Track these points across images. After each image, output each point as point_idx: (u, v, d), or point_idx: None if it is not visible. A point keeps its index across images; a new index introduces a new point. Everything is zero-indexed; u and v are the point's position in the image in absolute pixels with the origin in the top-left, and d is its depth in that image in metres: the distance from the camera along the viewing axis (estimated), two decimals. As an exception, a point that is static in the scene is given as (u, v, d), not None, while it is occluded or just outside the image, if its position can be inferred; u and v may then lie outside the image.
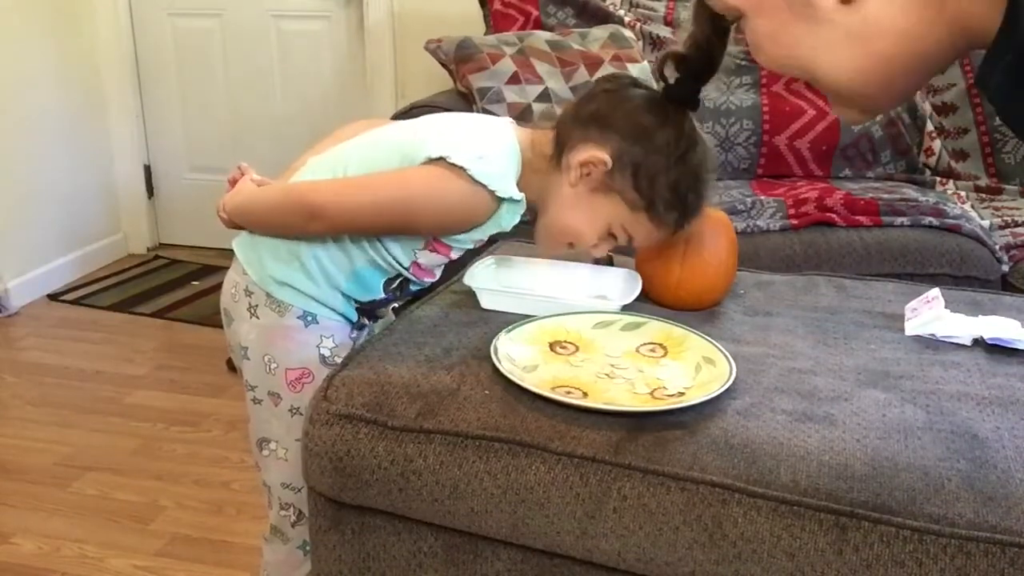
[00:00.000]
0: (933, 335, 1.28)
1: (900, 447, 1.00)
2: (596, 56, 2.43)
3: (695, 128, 1.16)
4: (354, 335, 1.29)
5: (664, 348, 1.21)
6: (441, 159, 1.12)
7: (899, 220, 2.04)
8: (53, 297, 3.14)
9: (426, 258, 1.24)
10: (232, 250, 1.27)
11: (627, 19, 2.64)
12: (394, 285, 1.26)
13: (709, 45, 1.06)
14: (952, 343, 1.26)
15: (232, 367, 2.54)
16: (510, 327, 1.21)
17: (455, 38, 2.47)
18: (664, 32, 2.63)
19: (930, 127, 2.51)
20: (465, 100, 2.37)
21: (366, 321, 1.30)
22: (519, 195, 1.17)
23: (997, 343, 1.25)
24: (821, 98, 2.47)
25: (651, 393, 1.12)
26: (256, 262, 1.23)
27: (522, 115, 2.28)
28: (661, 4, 2.71)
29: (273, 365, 1.24)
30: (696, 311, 1.33)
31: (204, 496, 2.02)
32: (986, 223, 2.15)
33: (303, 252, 1.20)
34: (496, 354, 1.14)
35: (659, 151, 1.13)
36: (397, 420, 1.09)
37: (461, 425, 1.07)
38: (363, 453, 1.09)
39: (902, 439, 1.02)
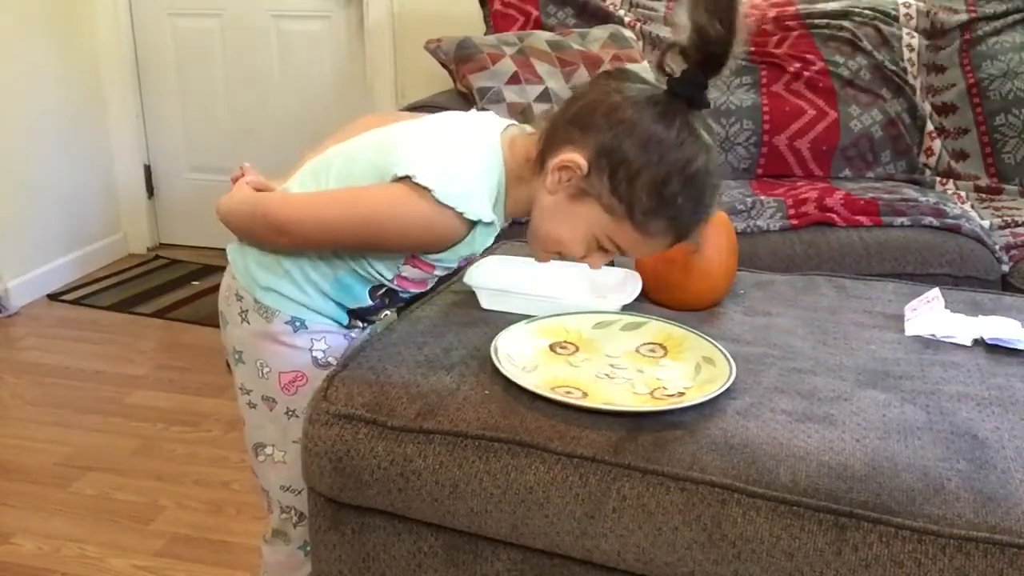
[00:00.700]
0: (933, 335, 1.28)
1: (900, 447, 1.00)
2: (596, 56, 2.43)
3: (696, 127, 1.05)
4: (354, 334, 1.29)
5: (664, 348, 1.21)
6: (407, 178, 1.08)
7: (899, 220, 2.04)
8: (53, 297, 3.14)
9: (410, 272, 1.21)
10: (227, 250, 1.27)
11: (627, 19, 2.64)
12: (381, 292, 1.24)
13: (714, 34, 1.00)
14: (952, 343, 1.26)
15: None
16: (510, 327, 1.21)
17: (455, 38, 2.47)
18: (664, 32, 2.63)
19: (930, 127, 2.51)
20: (465, 100, 2.37)
21: (359, 324, 1.29)
22: (490, 217, 1.10)
23: (997, 343, 1.25)
24: (821, 98, 2.47)
25: (651, 393, 1.12)
26: (244, 267, 1.22)
27: (522, 115, 2.28)
28: (661, 4, 2.71)
29: (266, 369, 1.24)
30: (696, 311, 1.33)
31: (204, 496, 2.02)
32: (986, 223, 2.15)
33: (286, 259, 1.19)
34: (496, 354, 1.14)
35: (639, 148, 1.04)
36: (397, 420, 1.09)
37: (461, 425, 1.07)
38: (363, 453, 1.09)
39: (902, 439, 1.02)
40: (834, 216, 2.06)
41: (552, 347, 1.21)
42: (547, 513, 1.02)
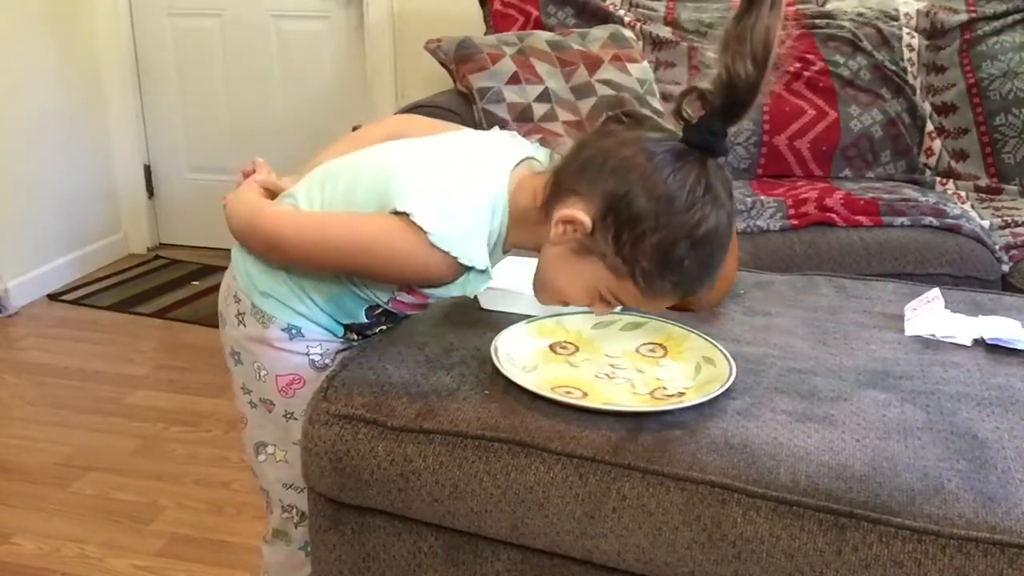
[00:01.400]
0: (933, 335, 1.28)
1: (900, 447, 1.00)
2: (596, 56, 2.43)
3: (712, 183, 0.99)
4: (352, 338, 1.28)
5: (664, 348, 1.21)
6: (405, 215, 1.05)
7: (899, 220, 2.04)
8: (53, 297, 3.14)
9: (406, 298, 1.19)
10: (231, 250, 1.26)
11: (627, 19, 2.64)
12: (378, 312, 1.22)
13: (745, 76, 0.95)
14: (952, 343, 1.26)
15: (232, 367, 2.55)
16: (510, 327, 1.21)
17: (455, 38, 2.47)
18: (664, 32, 2.63)
19: (930, 127, 2.51)
20: (465, 100, 2.37)
21: (355, 337, 1.26)
22: (484, 264, 1.07)
23: (997, 343, 1.25)
24: (821, 98, 2.47)
25: (651, 393, 1.12)
26: (244, 270, 1.21)
27: (522, 115, 2.28)
28: (661, 4, 2.71)
29: (263, 372, 1.23)
30: (696, 311, 1.33)
31: (204, 496, 2.02)
32: (986, 223, 2.15)
33: (285, 269, 1.18)
34: (496, 354, 1.14)
35: (646, 209, 0.99)
36: (397, 420, 1.09)
37: (461, 425, 1.07)
38: (363, 453, 1.09)
39: (902, 439, 1.02)
40: (834, 216, 2.06)
41: (552, 347, 1.21)
42: (547, 513, 1.02)
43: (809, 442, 1.01)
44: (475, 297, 1.33)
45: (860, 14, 2.60)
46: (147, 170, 3.56)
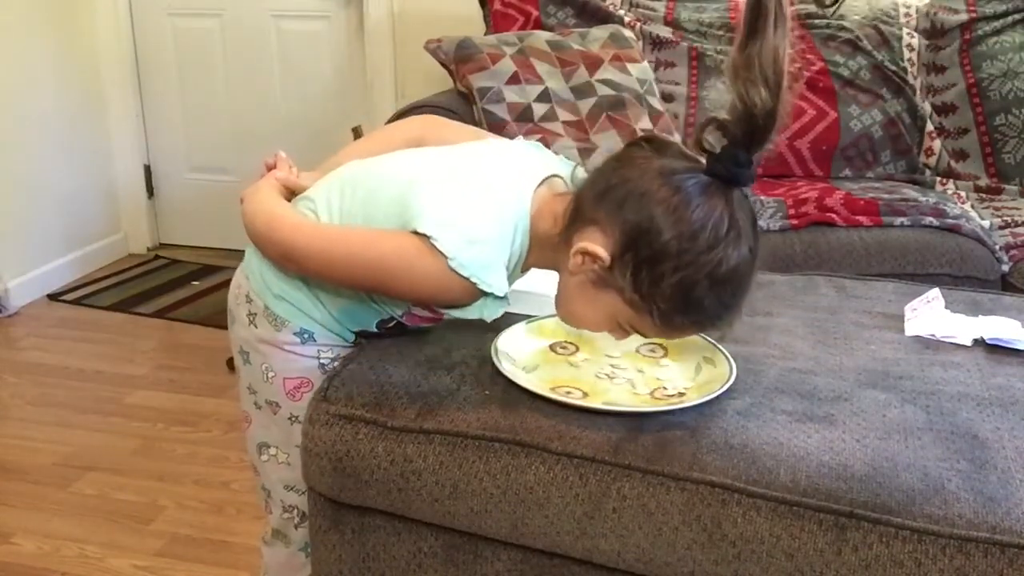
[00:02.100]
0: (933, 335, 1.28)
1: (900, 447, 1.00)
2: (596, 56, 2.43)
3: (736, 216, 0.97)
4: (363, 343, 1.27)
5: (664, 348, 1.21)
6: (426, 237, 1.03)
7: (899, 220, 2.04)
8: (53, 297, 3.14)
9: (421, 312, 1.18)
10: (236, 250, 1.25)
11: (627, 19, 2.64)
12: (390, 325, 1.22)
13: (760, 103, 0.93)
14: (952, 343, 1.26)
15: (231, 367, 2.54)
16: (510, 327, 1.21)
17: (455, 38, 2.47)
18: (664, 32, 2.63)
19: (930, 127, 2.51)
20: (465, 100, 2.37)
21: (364, 341, 1.26)
22: (503, 291, 1.06)
23: (997, 343, 1.25)
24: (821, 98, 2.47)
25: (651, 393, 1.12)
26: (257, 271, 1.20)
27: (522, 115, 2.28)
28: (661, 4, 2.70)
29: (271, 374, 1.22)
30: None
31: (204, 496, 2.02)
32: (986, 223, 2.15)
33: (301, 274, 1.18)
34: (496, 354, 1.14)
35: (667, 247, 0.96)
36: (397, 420, 1.09)
37: (461, 425, 1.07)
38: (363, 453, 1.09)
39: (902, 439, 1.02)
40: (834, 216, 2.06)
41: (552, 347, 1.21)
42: (547, 513, 1.02)
43: (809, 442, 1.01)
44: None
45: (859, 14, 2.60)
46: (147, 170, 3.56)
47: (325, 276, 1.14)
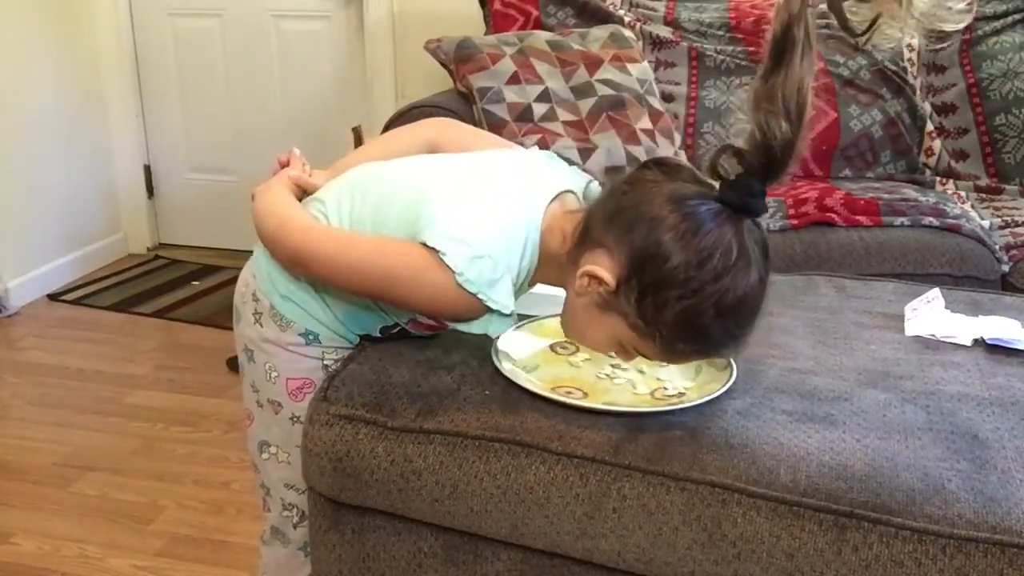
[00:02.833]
0: (933, 335, 1.28)
1: (900, 447, 1.00)
2: (596, 56, 2.43)
3: (746, 245, 0.96)
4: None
5: (664, 348, 1.21)
6: (435, 251, 1.03)
7: (899, 220, 2.04)
8: (53, 297, 3.14)
9: (426, 320, 1.18)
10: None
11: (627, 19, 2.64)
12: (394, 331, 1.22)
13: (780, 135, 0.92)
14: (952, 343, 1.26)
15: (232, 367, 2.54)
16: (511, 327, 1.21)
17: (455, 38, 2.47)
18: (664, 32, 2.63)
19: (930, 127, 2.51)
20: (465, 100, 2.37)
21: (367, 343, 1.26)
22: (509, 308, 1.06)
23: (997, 343, 1.25)
24: (821, 98, 2.47)
25: (651, 394, 1.12)
26: (265, 270, 1.20)
27: (522, 115, 2.28)
28: (661, 4, 2.70)
29: (274, 374, 1.22)
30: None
31: (204, 496, 2.02)
32: (986, 223, 2.15)
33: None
34: (496, 354, 1.14)
35: (674, 275, 0.95)
36: (397, 420, 1.09)
37: (461, 425, 1.07)
38: (363, 453, 1.09)
39: (902, 439, 1.02)
40: (834, 216, 2.06)
41: (552, 347, 1.21)
42: (547, 513, 1.02)
43: (809, 442, 1.01)
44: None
45: (854, 12, 2.59)
46: (147, 170, 3.56)
47: (332, 281, 1.14)
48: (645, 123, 2.32)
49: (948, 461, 0.98)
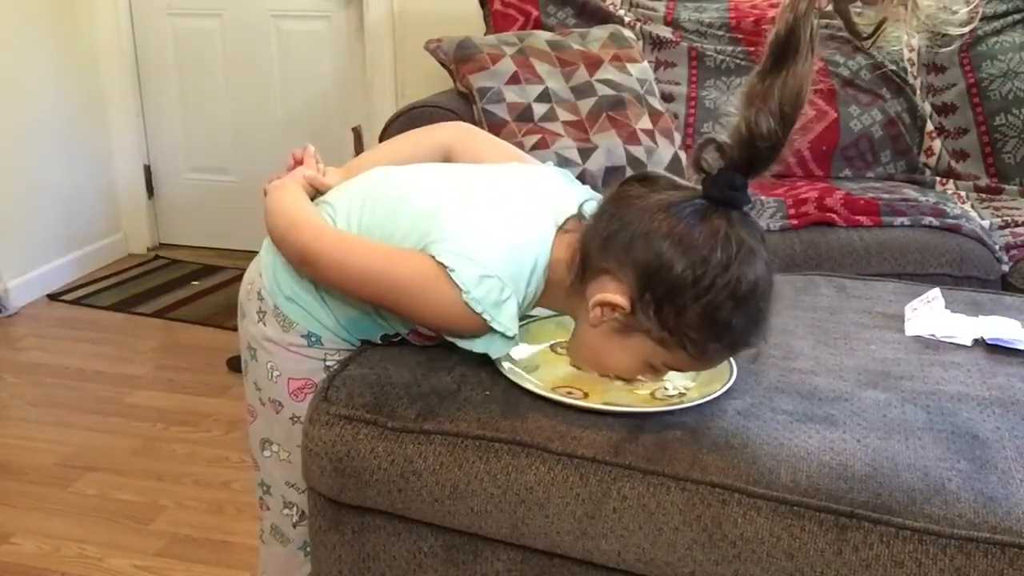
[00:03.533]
0: (933, 335, 1.28)
1: (900, 447, 1.00)
2: (596, 56, 2.43)
3: (741, 234, 0.97)
4: None
5: (664, 348, 1.21)
6: (444, 267, 1.02)
7: (899, 220, 2.04)
8: (53, 297, 3.14)
9: (426, 332, 1.18)
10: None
11: (627, 19, 2.64)
12: (395, 340, 1.22)
13: (767, 131, 0.93)
14: (952, 343, 1.26)
15: (232, 367, 2.54)
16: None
17: (455, 38, 2.47)
18: (664, 32, 2.63)
19: (930, 127, 2.51)
20: (465, 100, 2.37)
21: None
22: (513, 332, 1.06)
23: (997, 343, 1.25)
24: (821, 98, 2.47)
25: (651, 394, 1.12)
26: (271, 269, 1.20)
27: (522, 115, 2.28)
28: (661, 4, 2.70)
29: (276, 373, 1.22)
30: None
31: (204, 496, 2.02)
32: (986, 223, 2.15)
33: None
34: (496, 354, 1.14)
35: (683, 278, 0.96)
36: (397, 421, 1.09)
37: (461, 426, 1.07)
38: (363, 454, 1.09)
39: (902, 439, 1.02)
40: (834, 216, 2.06)
41: (552, 347, 1.21)
42: (547, 513, 1.02)
43: (810, 442, 1.01)
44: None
45: (859, 14, 2.59)
46: (147, 170, 3.56)
47: (339, 286, 1.14)
48: (645, 123, 2.32)
49: (948, 461, 0.98)
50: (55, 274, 3.22)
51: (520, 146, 1.87)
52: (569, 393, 1.10)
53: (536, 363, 1.17)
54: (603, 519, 1.00)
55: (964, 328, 1.28)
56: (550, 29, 2.60)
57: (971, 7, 1.00)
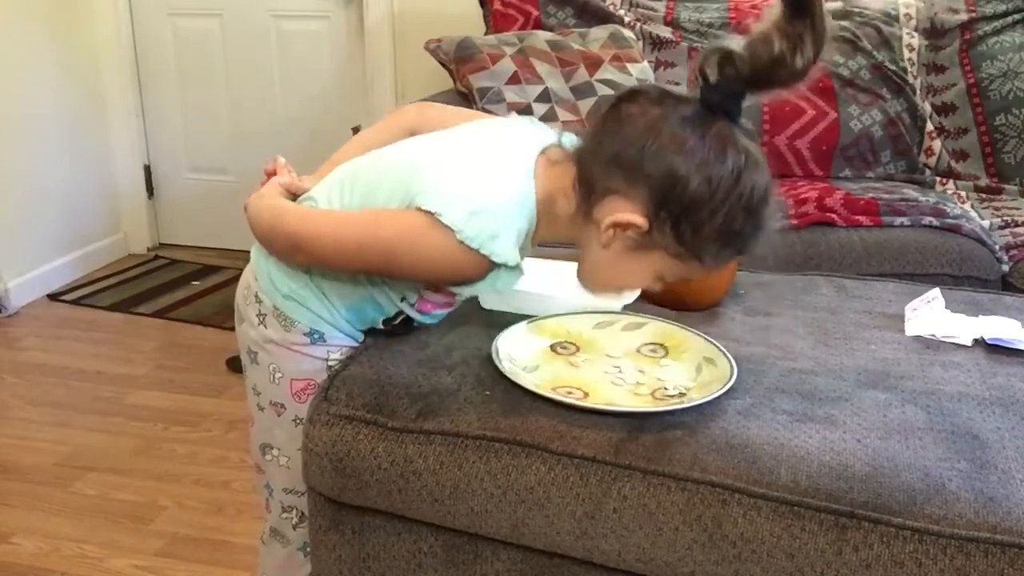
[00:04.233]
0: (933, 335, 1.28)
1: (900, 447, 1.00)
2: (596, 56, 2.43)
3: (743, 142, 0.98)
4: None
5: (665, 348, 1.21)
6: (432, 214, 1.03)
7: (899, 220, 2.04)
8: (53, 297, 3.14)
9: (433, 297, 1.18)
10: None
11: (627, 19, 2.64)
12: (395, 323, 1.22)
13: (800, 69, 0.93)
14: (952, 343, 1.26)
15: (231, 367, 2.54)
16: (511, 327, 1.21)
17: (455, 38, 2.47)
18: (664, 32, 2.63)
19: (930, 127, 2.50)
20: (465, 100, 2.37)
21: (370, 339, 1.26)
22: (515, 260, 1.05)
23: (997, 343, 1.25)
24: (821, 98, 2.47)
25: (652, 394, 1.12)
26: (265, 271, 1.20)
27: (522, 115, 2.28)
28: (661, 4, 2.70)
29: (279, 375, 1.22)
30: (696, 311, 1.33)
31: (204, 496, 2.02)
32: (986, 223, 2.15)
33: (309, 274, 1.18)
34: (497, 354, 1.14)
35: (700, 194, 0.97)
36: (397, 421, 1.09)
37: (461, 425, 1.07)
38: (363, 454, 1.09)
39: (902, 439, 1.02)
40: (834, 216, 2.06)
41: (553, 347, 1.21)
42: (547, 513, 1.02)
43: (810, 442, 1.01)
44: (476, 297, 1.33)
45: (860, 14, 2.59)
46: (147, 170, 3.56)
47: (335, 263, 1.13)
48: (645, 123, 2.32)
49: (948, 461, 0.98)
50: (55, 274, 3.22)
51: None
52: (569, 393, 1.10)
53: (536, 363, 1.17)
54: (603, 519, 1.00)
55: (964, 328, 1.28)
56: (550, 29, 2.60)
57: None
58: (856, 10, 2.60)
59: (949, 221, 2.04)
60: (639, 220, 0.99)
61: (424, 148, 1.16)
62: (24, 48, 3.05)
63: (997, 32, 2.52)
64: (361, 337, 1.23)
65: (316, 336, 1.20)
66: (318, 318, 1.19)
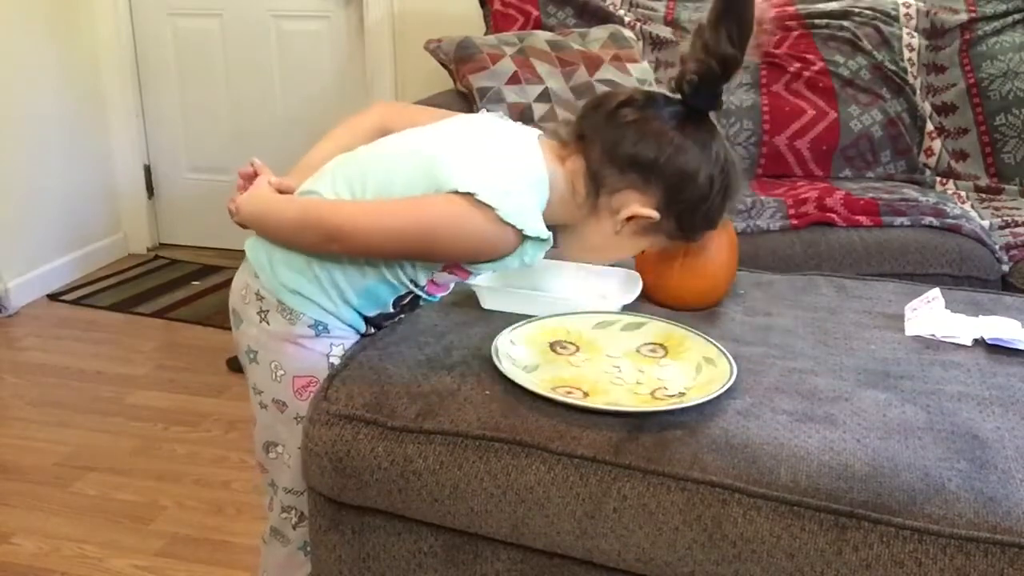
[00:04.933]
0: (933, 335, 1.28)
1: (900, 447, 1.00)
2: (596, 56, 2.43)
3: (722, 141, 1.17)
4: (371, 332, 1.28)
5: (664, 348, 1.21)
6: (469, 195, 1.09)
7: (899, 220, 2.04)
8: (53, 297, 3.14)
9: (443, 278, 1.22)
10: (236, 250, 1.26)
11: (627, 19, 2.64)
12: (405, 302, 1.24)
13: (721, 54, 1.09)
14: (952, 343, 1.26)
15: (232, 367, 2.54)
16: (511, 327, 1.21)
17: (455, 38, 2.47)
18: (664, 32, 2.63)
19: (930, 127, 2.51)
20: (465, 100, 2.37)
21: (372, 330, 1.27)
22: (546, 233, 1.14)
23: (997, 343, 1.25)
24: (821, 98, 2.47)
25: (652, 393, 1.12)
26: (267, 267, 1.20)
27: (522, 115, 2.28)
28: (661, 4, 2.70)
29: (280, 372, 1.23)
30: (696, 311, 1.33)
31: (204, 496, 2.02)
32: (986, 223, 2.15)
33: (316, 264, 1.18)
34: (497, 354, 1.14)
35: (703, 193, 1.14)
36: (397, 420, 1.09)
37: (461, 425, 1.07)
38: (363, 453, 1.09)
39: (902, 439, 1.02)
40: (834, 216, 2.06)
41: (553, 347, 1.21)
42: (547, 513, 1.02)
43: (810, 442, 1.01)
44: (475, 297, 1.33)
45: (860, 14, 2.59)
46: (147, 170, 3.56)
47: (374, 249, 1.16)
48: (645, 123, 2.32)
49: (948, 461, 0.98)
50: (55, 274, 3.22)
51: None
52: (569, 393, 1.10)
53: (536, 363, 1.17)
54: (603, 519, 1.00)
55: (964, 328, 1.28)
56: (550, 29, 2.60)
57: None
58: (856, 10, 2.60)
59: (949, 221, 2.04)
60: (653, 213, 1.14)
61: (429, 140, 1.20)
62: (24, 48, 3.05)
63: (997, 32, 2.52)
64: (363, 327, 1.24)
65: (320, 328, 1.21)
66: (322, 310, 1.20)
